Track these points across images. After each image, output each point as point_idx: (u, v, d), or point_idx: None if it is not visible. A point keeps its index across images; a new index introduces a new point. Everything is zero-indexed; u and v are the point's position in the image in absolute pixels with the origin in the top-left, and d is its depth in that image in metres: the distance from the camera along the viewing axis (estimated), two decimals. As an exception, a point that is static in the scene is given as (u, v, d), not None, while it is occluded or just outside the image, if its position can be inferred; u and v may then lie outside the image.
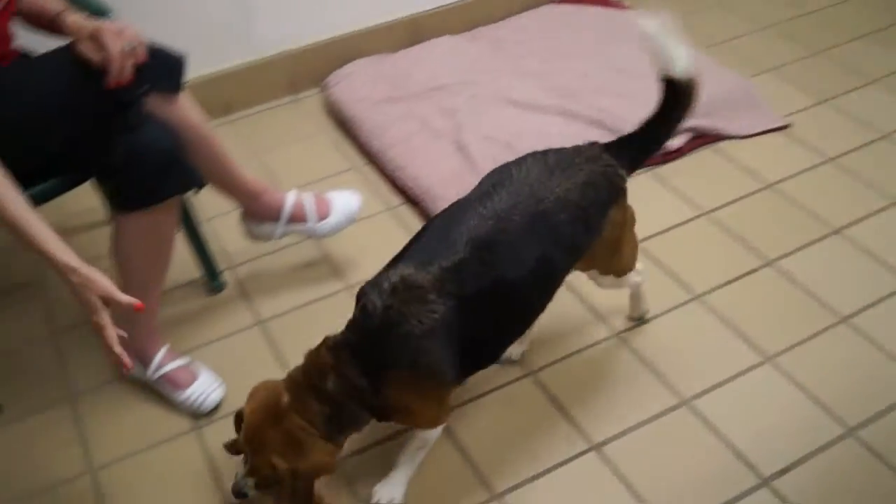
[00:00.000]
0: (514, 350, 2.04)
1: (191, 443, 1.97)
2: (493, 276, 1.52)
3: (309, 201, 2.23)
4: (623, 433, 1.91)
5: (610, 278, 1.86)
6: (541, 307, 1.70)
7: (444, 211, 1.63)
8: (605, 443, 1.90)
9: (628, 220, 1.76)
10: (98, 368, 2.15)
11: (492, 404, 1.99)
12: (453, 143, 2.63)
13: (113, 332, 1.46)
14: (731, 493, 1.79)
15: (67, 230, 2.56)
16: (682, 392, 1.98)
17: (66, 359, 2.20)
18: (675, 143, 2.64)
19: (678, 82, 1.64)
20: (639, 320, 2.10)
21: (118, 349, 1.46)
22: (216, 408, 2.02)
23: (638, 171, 1.82)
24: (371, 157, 2.74)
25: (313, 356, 1.55)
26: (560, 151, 1.67)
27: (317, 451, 1.53)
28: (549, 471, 1.85)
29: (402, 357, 1.48)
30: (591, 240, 1.67)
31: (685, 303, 2.20)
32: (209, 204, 2.32)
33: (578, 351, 2.10)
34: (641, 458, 1.86)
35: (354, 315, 1.54)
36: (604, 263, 1.80)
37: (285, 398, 1.53)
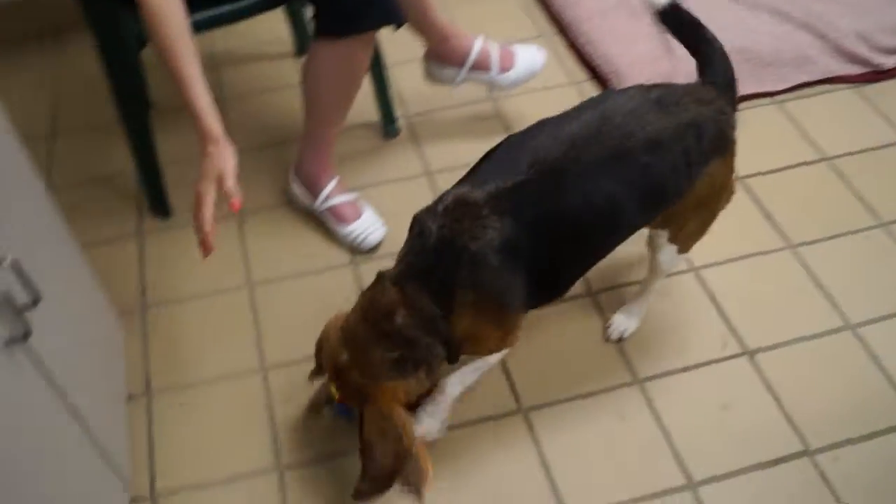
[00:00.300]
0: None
1: (346, 276, 2.03)
2: (553, 205, 1.38)
3: (494, 51, 2.21)
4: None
5: (672, 250, 1.67)
6: (604, 251, 1.54)
7: (522, 130, 1.46)
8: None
9: (727, 184, 1.57)
10: (267, 192, 2.23)
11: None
12: (652, 25, 2.52)
13: (211, 211, 1.42)
14: (881, 425, 1.71)
15: (255, 56, 2.62)
16: (745, 343, 1.87)
17: (239, 177, 2.28)
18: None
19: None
20: (617, 339, 1.86)
21: (208, 228, 1.41)
22: (376, 247, 2.06)
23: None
24: (562, 27, 2.67)
25: (374, 296, 1.42)
26: (669, 87, 1.49)
27: (396, 420, 1.41)
28: (698, 366, 1.82)
29: (463, 274, 1.36)
30: (678, 193, 1.48)
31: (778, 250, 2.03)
32: (396, 49, 2.32)
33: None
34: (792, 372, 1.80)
35: (409, 243, 1.42)
36: (680, 225, 1.60)
37: (343, 356, 1.44)
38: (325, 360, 1.53)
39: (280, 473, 1.69)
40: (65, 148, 2.41)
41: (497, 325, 1.48)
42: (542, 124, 1.45)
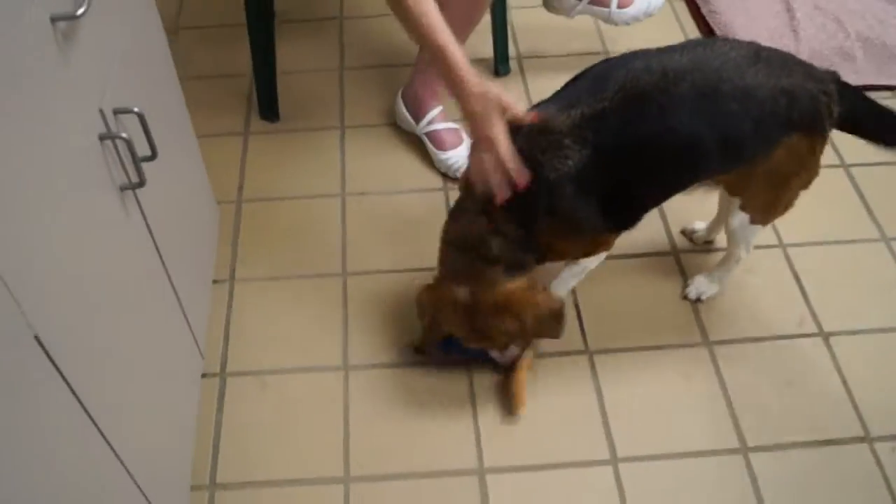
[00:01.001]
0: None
1: (436, 199, 2.12)
2: (633, 132, 1.43)
3: None
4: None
5: (743, 218, 1.69)
6: (678, 186, 1.58)
7: (619, 55, 1.50)
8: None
9: (808, 166, 1.56)
10: (374, 111, 2.32)
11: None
12: (782, 2, 2.52)
13: (508, 147, 1.42)
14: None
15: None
16: (822, 324, 1.88)
17: (346, 93, 2.38)
18: None
19: None
20: (695, 299, 1.90)
21: (512, 165, 1.42)
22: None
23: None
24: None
25: (465, 227, 1.54)
26: (785, 53, 1.50)
27: (517, 294, 1.56)
28: (771, 338, 1.86)
29: (542, 202, 1.45)
30: (755, 152, 1.51)
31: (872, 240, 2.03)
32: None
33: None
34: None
35: None
36: (754, 194, 1.63)
37: (458, 292, 1.57)
38: (439, 309, 1.63)
39: (346, 373, 1.79)
40: (185, 44, 2.54)
41: (576, 243, 1.60)
42: (640, 53, 1.47)
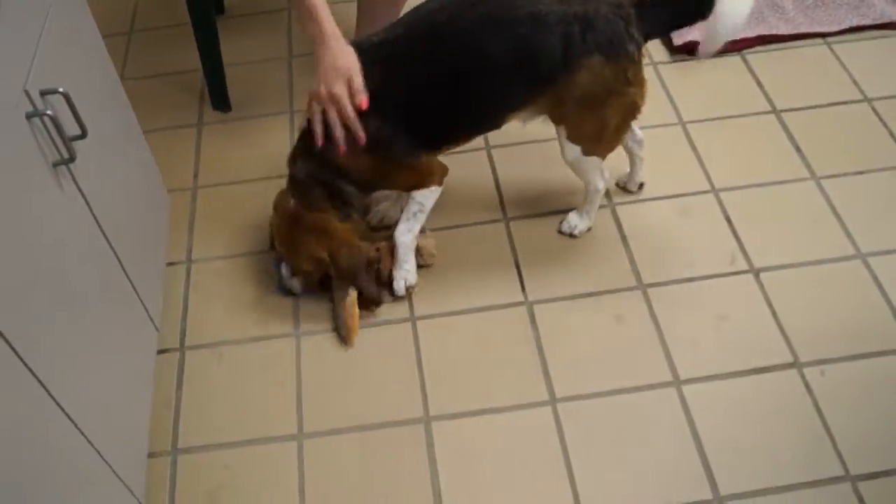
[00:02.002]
0: None
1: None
2: (426, 54, 1.65)
3: None
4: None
5: (575, 150, 1.81)
6: (485, 107, 1.74)
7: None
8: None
9: (621, 91, 1.68)
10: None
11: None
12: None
13: (351, 108, 1.67)
14: (873, 348, 1.84)
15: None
16: (752, 261, 2.02)
17: (295, 80, 2.52)
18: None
19: None
20: (568, 234, 2.06)
21: (356, 125, 1.69)
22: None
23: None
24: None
25: (302, 147, 1.80)
26: None
27: (338, 230, 1.81)
28: (703, 278, 1.99)
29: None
30: (553, 75, 1.65)
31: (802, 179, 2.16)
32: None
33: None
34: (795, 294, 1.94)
35: None
36: (575, 121, 1.75)
37: (290, 200, 1.81)
38: (274, 233, 1.93)
39: (297, 339, 1.93)
40: (140, 44, 2.69)
41: (396, 169, 1.79)
42: None
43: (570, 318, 1.91)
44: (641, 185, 2.12)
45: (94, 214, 1.53)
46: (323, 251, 1.81)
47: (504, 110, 1.77)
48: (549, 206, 2.12)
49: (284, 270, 1.91)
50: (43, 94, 1.37)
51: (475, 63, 1.65)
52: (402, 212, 1.90)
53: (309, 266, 1.85)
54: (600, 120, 1.74)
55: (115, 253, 1.61)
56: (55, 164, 1.39)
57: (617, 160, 2.01)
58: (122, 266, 1.64)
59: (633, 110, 1.76)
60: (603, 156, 1.86)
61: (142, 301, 1.74)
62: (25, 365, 1.16)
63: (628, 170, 2.11)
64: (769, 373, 1.81)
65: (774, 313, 1.90)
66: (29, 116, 1.31)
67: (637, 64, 1.69)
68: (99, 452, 1.38)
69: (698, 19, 1.68)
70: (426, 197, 1.85)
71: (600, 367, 1.83)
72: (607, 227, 2.08)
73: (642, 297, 1.94)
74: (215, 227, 2.15)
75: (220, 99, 2.44)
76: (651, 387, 1.80)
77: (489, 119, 1.79)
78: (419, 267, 1.96)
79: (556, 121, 1.78)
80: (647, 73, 2.30)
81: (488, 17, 1.62)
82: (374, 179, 1.80)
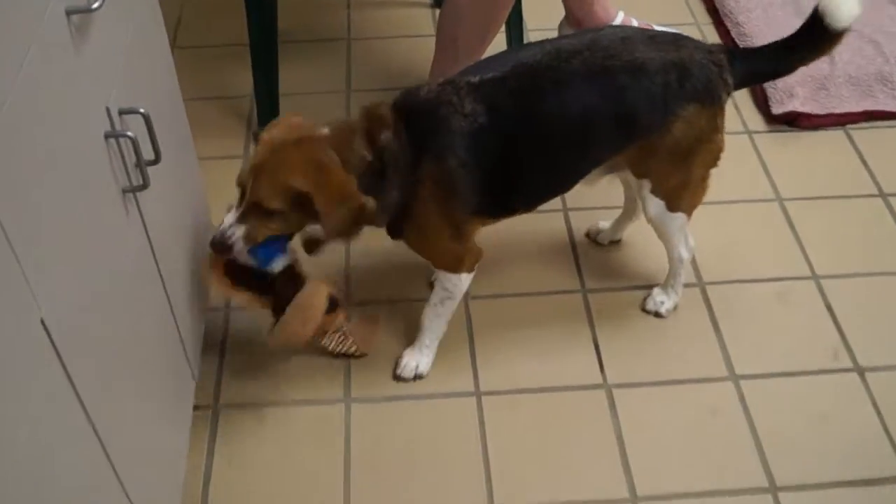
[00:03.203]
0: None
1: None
2: (529, 103, 1.64)
3: (635, 25, 2.40)
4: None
5: (659, 205, 1.82)
6: (572, 169, 1.77)
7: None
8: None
9: (710, 138, 1.73)
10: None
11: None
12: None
13: None
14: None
15: (389, 2, 2.88)
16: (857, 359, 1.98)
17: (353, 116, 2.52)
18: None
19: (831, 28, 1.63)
20: (654, 313, 2.04)
21: None
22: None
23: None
24: (719, 17, 2.82)
25: (373, 109, 1.67)
26: (677, 33, 1.73)
27: (338, 172, 1.59)
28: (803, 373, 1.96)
29: (435, 142, 1.63)
30: (650, 125, 1.68)
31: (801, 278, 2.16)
32: (533, 15, 2.57)
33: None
34: None
35: (406, 91, 1.70)
36: (661, 174, 1.77)
37: (324, 130, 1.63)
38: (262, 144, 1.66)
39: (347, 406, 1.90)
40: (181, 64, 2.69)
41: (448, 219, 1.71)
42: (540, 42, 1.70)
43: (654, 407, 1.89)
44: (615, 243, 2.16)
45: (152, 248, 1.52)
46: (307, 183, 1.56)
47: (590, 166, 1.78)
48: (630, 279, 2.12)
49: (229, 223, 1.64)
50: (122, 113, 1.35)
51: (574, 116, 1.67)
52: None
53: (276, 200, 1.59)
54: (688, 170, 1.77)
55: (165, 290, 1.59)
56: (125, 191, 1.38)
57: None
58: (170, 305, 1.62)
59: (717, 158, 1.79)
60: (689, 211, 1.86)
61: (183, 345, 1.71)
62: (67, 375, 1.13)
63: (607, 223, 2.15)
64: (876, 486, 1.78)
65: (882, 419, 1.87)
66: (107, 137, 1.30)
67: (723, 111, 1.74)
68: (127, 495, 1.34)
69: (794, 68, 1.75)
70: (455, 284, 1.82)
71: (687, 464, 1.80)
72: (696, 308, 2.07)
73: (734, 389, 1.92)
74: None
75: (270, 129, 2.43)
76: (743, 492, 1.77)
77: (572, 178, 1.80)
78: (342, 355, 1.92)
79: (640, 174, 1.79)
80: (741, 141, 2.33)
81: (588, 68, 1.64)
82: (421, 217, 1.72)
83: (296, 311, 1.73)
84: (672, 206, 1.84)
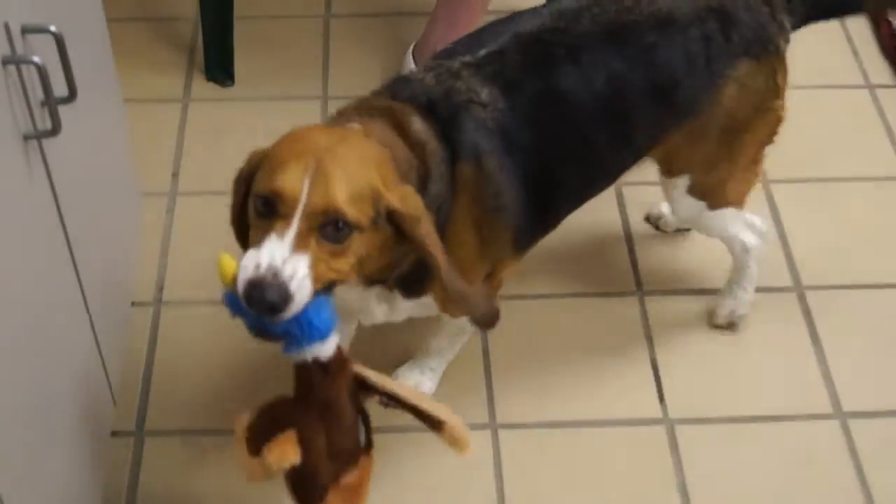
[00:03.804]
0: None
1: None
2: (543, 78, 1.62)
3: None
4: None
5: (696, 206, 1.84)
6: (611, 157, 1.74)
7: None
8: None
9: (770, 105, 1.73)
10: (365, 72, 2.50)
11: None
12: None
13: None
14: None
15: None
16: None
17: (333, 50, 2.57)
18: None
19: None
20: (726, 325, 2.07)
21: None
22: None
23: None
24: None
25: (375, 101, 1.59)
26: None
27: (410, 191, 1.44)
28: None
29: (464, 142, 1.56)
30: (695, 97, 1.67)
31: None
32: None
33: None
34: None
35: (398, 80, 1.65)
36: (703, 166, 1.78)
37: (356, 124, 1.49)
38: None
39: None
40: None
41: (490, 238, 1.64)
42: (533, 9, 1.70)
43: (728, 450, 1.92)
44: (682, 231, 2.18)
45: (60, 213, 1.52)
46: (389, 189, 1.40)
47: (631, 155, 1.77)
48: (701, 280, 2.15)
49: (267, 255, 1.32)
50: (26, 31, 1.35)
51: (600, 88, 1.65)
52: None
53: (363, 206, 1.36)
54: (738, 154, 1.78)
55: (77, 276, 1.60)
56: (27, 137, 1.38)
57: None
58: (83, 296, 1.64)
59: (775, 132, 1.78)
60: (739, 203, 1.87)
61: (101, 355, 1.73)
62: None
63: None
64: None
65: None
66: (5, 62, 1.29)
67: (785, 63, 1.72)
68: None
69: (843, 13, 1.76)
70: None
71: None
72: (788, 320, 2.10)
73: (840, 431, 1.94)
74: (197, 254, 2.15)
75: (219, 66, 2.47)
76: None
77: (615, 169, 1.79)
78: None
79: (675, 171, 1.81)
80: (859, 98, 2.35)
81: (602, 27, 1.65)
82: (463, 232, 1.63)
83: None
84: (714, 204, 1.84)
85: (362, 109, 1.53)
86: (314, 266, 1.32)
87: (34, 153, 1.41)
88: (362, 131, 1.45)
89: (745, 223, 1.92)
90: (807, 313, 2.11)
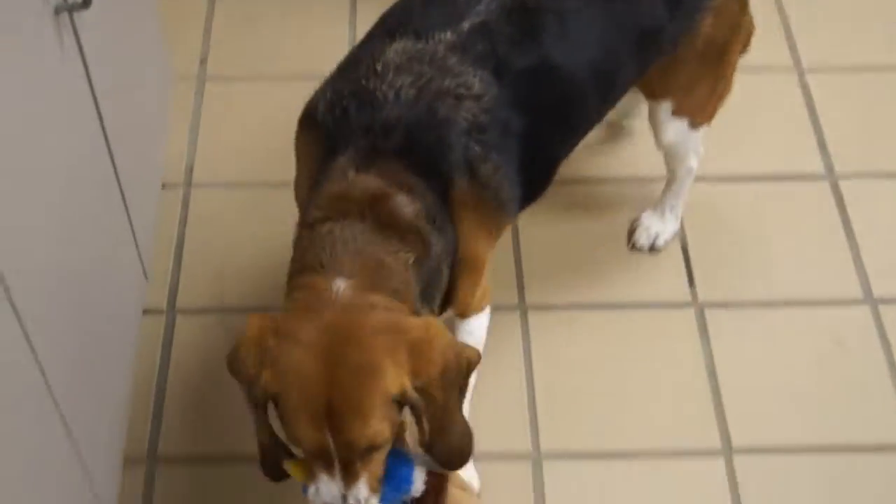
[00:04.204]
0: None
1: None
2: (536, 55, 1.56)
3: None
4: None
5: (681, 126, 1.84)
6: (601, 108, 1.73)
7: None
8: None
9: (741, 22, 1.74)
10: None
11: None
12: None
13: None
14: None
15: None
16: None
17: None
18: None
19: None
20: (649, 248, 2.05)
21: None
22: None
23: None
24: None
25: (339, 192, 1.45)
26: None
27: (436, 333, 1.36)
28: None
29: (455, 158, 1.49)
30: (677, 29, 1.66)
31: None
32: None
33: None
34: None
35: (351, 120, 1.49)
36: (687, 87, 1.78)
37: (339, 283, 1.36)
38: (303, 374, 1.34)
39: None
40: None
41: (489, 234, 1.62)
42: None
43: (757, 334, 1.94)
44: None
45: (92, 89, 1.53)
46: (406, 375, 1.34)
47: (617, 96, 1.76)
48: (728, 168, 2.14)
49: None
50: None
51: (594, 52, 1.64)
52: None
53: (385, 424, 1.33)
54: (719, 71, 1.79)
55: (108, 148, 1.61)
56: (58, 9, 1.38)
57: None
58: (115, 173, 1.64)
59: (748, 42, 1.80)
60: (711, 120, 1.88)
61: (133, 233, 1.75)
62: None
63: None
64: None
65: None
66: None
67: None
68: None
69: None
70: (482, 325, 1.71)
71: (801, 410, 1.85)
72: (822, 207, 2.09)
73: (870, 315, 1.95)
74: (227, 139, 2.16)
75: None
76: (883, 448, 1.82)
77: (598, 116, 1.77)
78: None
79: (659, 95, 1.80)
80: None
81: None
82: (471, 257, 1.60)
83: None
84: (697, 122, 1.85)
85: (335, 212, 1.43)
86: (369, 481, 1.36)
87: (66, 27, 1.41)
88: (355, 298, 1.36)
89: (698, 146, 1.92)
90: (839, 200, 2.09)
